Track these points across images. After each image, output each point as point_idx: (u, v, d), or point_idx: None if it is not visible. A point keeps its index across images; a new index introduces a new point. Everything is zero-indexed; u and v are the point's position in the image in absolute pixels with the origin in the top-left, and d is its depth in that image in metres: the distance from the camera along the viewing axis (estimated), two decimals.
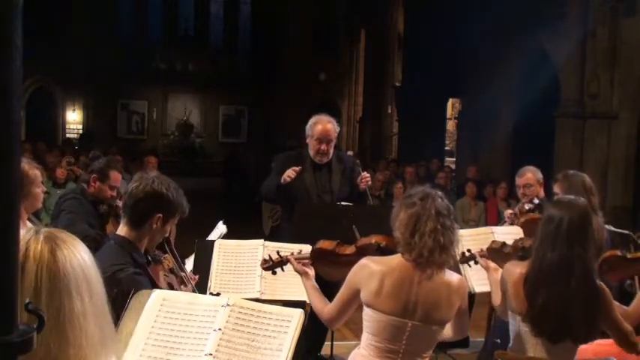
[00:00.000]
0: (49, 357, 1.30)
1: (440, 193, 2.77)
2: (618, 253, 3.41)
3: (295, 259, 3.04)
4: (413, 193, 2.76)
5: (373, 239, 3.17)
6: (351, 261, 2.86)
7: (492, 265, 3.40)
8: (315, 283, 3.02)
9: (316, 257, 3.07)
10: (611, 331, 2.95)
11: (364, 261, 2.73)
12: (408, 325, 2.64)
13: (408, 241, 2.63)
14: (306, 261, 3.06)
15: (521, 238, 3.69)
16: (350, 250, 3.13)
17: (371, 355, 2.69)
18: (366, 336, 2.73)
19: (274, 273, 3.16)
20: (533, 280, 2.84)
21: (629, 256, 3.46)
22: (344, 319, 2.87)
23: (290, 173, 4.43)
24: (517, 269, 2.93)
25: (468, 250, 3.64)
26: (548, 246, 2.83)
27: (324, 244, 3.13)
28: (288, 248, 3.80)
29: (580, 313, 2.78)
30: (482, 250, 3.56)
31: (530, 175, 4.80)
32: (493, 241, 3.63)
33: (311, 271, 3.03)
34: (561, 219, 2.82)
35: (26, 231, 1.43)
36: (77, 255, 1.42)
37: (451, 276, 2.74)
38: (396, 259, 2.69)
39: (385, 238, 3.07)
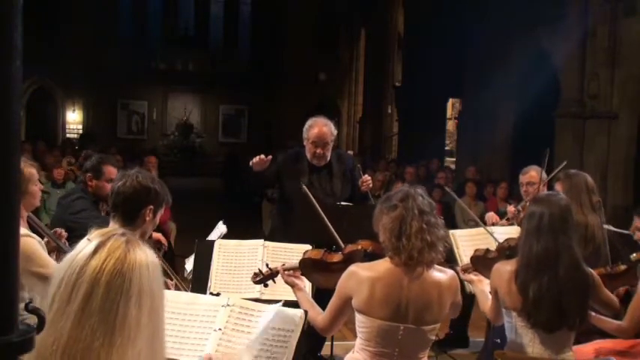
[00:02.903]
0: (91, 347, 1.30)
1: (420, 190, 2.74)
2: (603, 271, 3.46)
3: (285, 270, 3.05)
4: (392, 195, 2.73)
5: (360, 245, 3.18)
6: (339, 268, 2.86)
7: (475, 277, 3.46)
8: (306, 294, 3.03)
9: (305, 267, 3.08)
10: (604, 309, 3.10)
11: (353, 268, 2.71)
12: (401, 329, 2.64)
13: (395, 245, 2.61)
14: (296, 271, 3.07)
15: (506, 239, 3.71)
16: (337, 257, 3.14)
17: (365, 359, 2.69)
18: (359, 341, 2.73)
19: (266, 285, 3.16)
20: (523, 274, 2.90)
21: (612, 271, 3.53)
22: (338, 327, 2.88)
23: (255, 159, 4.40)
24: (507, 267, 3.00)
25: (450, 267, 3.68)
26: (532, 240, 2.91)
27: (312, 253, 3.15)
28: (288, 248, 3.81)
29: (572, 300, 2.86)
30: (465, 264, 3.64)
31: (534, 173, 4.82)
32: (476, 250, 3.65)
33: (301, 282, 3.03)
34: (542, 214, 2.91)
35: (112, 230, 1.45)
36: (149, 267, 1.41)
37: (441, 273, 2.73)
38: (384, 264, 2.68)
39: (371, 243, 3.07)
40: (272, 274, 3.09)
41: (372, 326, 2.65)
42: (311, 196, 3.56)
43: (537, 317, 2.86)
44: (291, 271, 3.04)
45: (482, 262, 3.53)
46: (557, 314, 2.85)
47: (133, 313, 1.35)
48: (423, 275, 2.65)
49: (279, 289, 3.54)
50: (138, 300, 1.36)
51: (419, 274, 2.64)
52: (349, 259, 3.00)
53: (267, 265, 3.14)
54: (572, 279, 2.86)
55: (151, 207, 2.70)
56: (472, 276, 3.47)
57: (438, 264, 2.75)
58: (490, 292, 3.17)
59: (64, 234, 3.53)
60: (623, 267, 3.53)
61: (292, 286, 3.00)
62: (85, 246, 1.39)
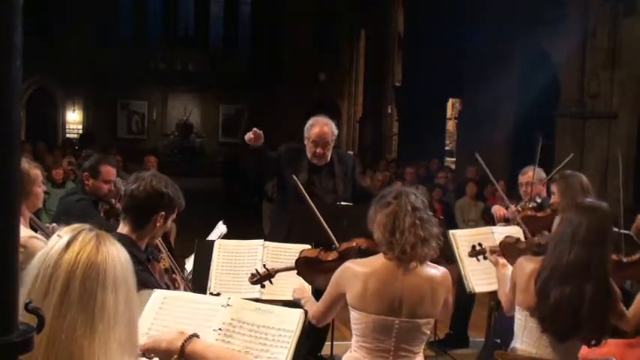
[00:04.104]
0: (74, 337, 1.34)
1: (413, 189, 2.83)
2: (615, 257, 3.43)
3: (281, 271, 3.08)
4: (386, 194, 2.80)
5: (354, 242, 3.20)
6: (335, 266, 2.88)
7: (502, 260, 3.43)
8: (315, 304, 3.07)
9: (301, 266, 3.09)
10: (618, 322, 3.01)
11: (347, 264, 2.76)
12: (396, 323, 2.67)
13: (389, 239, 2.66)
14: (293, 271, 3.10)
15: (537, 236, 3.71)
16: (333, 255, 3.16)
17: (364, 356, 2.71)
18: (355, 338, 2.75)
19: (263, 286, 3.17)
20: (546, 277, 2.84)
21: (625, 260, 3.50)
22: (329, 319, 2.95)
23: (249, 134, 4.40)
24: (530, 264, 2.95)
25: (479, 244, 3.65)
26: (565, 246, 2.83)
27: (308, 252, 3.16)
28: (288, 248, 3.80)
29: (592, 316, 2.79)
30: (494, 246, 3.59)
31: (532, 173, 4.83)
32: (507, 236, 3.66)
33: (307, 294, 3.10)
34: (580, 223, 2.83)
35: (81, 226, 1.50)
36: (121, 258, 1.46)
37: (434, 270, 2.76)
38: (378, 260, 2.72)
39: (366, 240, 3.10)
40: (269, 275, 3.10)
41: (367, 322, 2.67)
42: (301, 188, 3.56)
43: (552, 324, 2.82)
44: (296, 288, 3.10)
45: (510, 249, 3.51)
46: (573, 325, 2.80)
47: (111, 300, 1.39)
48: (417, 270, 2.69)
49: (279, 289, 3.54)
50: (114, 289, 1.41)
51: (412, 269, 2.68)
52: (344, 257, 3.02)
53: (264, 265, 3.15)
54: (596, 295, 2.78)
55: (163, 213, 2.66)
56: (499, 259, 3.45)
57: (439, 262, 2.77)
58: (510, 282, 3.15)
59: (57, 229, 3.51)
60: (636, 257, 3.50)
61: (300, 299, 3.04)
62: (56, 242, 1.44)
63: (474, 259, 3.74)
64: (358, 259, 2.80)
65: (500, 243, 3.61)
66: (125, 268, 1.46)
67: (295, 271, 3.17)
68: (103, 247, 1.43)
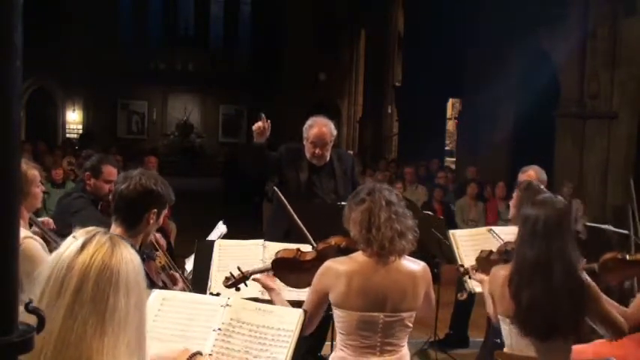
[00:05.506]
0: (84, 337, 1.35)
1: (386, 185, 2.85)
2: (618, 255, 3.41)
3: (257, 273, 3.06)
4: (359, 191, 2.82)
5: (333, 241, 3.19)
6: (313, 266, 2.87)
7: (486, 277, 3.43)
8: (282, 297, 3.00)
9: (278, 267, 3.07)
10: (602, 324, 2.92)
11: (328, 263, 2.75)
12: (380, 318, 2.68)
13: (366, 237, 2.67)
14: (269, 273, 3.07)
15: (506, 242, 3.68)
16: (311, 255, 3.13)
17: (350, 354, 2.71)
18: (340, 337, 2.75)
19: (238, 289, 3.14)
20: (516, 281, 2.85)
21: (628, 257, 3.46)
22: (316, 324, 2.88)
23: (257, 125, 4.43)
24: (502, 272, 2.96)
25: (461, 266, 3.67)
26: (527, 246, 2.85)
27: (285, 252, 3.14)
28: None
29: (566, 309, 2.78)
30: (473, 265, 3.60)
31: (532, 172, 4.80)
32: (481, 251, 3.63)
33: (276, 285, 3.03)
34: (537, 217, 2.84)
35: (95, 228, 1.51)
36: (134, 262, 1.47)
37: (414, 264, 2.78)
38: (358, 257, 2.73)
39: (344, 238, 3.08)
40: (244, 277, 3.07)
41: (351, 320, 2.68)
42: (282, 198, 3.56)
43: (529, 326, 2.81)
44: (265, 274, 3.04)
45: (484, 263, 3.51)
46: (549, 323, 2.78)
47: (122, 303, 1.40)
48: (397, 265, 2.70)
49: (279, 288, 3.54)
50: (126, 292, 1.41)
51: (392, 263, 2.69)
52: (323, 257, 3.00)
53: (238, 268, 3.12)
54: (566, 288, 2.77)
55: (155, 210, 2.66)
56: (483, 276, 3.43)
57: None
58: (488, 297, 3.15)
59: (51, 221, 3.55)
60: None
61: (269, 290, 2.99)
62: (71, 243, 1.44)
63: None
64: (338, 258, 2.79)
65: (476, 259, 3.58)
66: (137, 272, 1.46)
67: (272, 273, 3.13)
68: (118, 250, 1.44)
